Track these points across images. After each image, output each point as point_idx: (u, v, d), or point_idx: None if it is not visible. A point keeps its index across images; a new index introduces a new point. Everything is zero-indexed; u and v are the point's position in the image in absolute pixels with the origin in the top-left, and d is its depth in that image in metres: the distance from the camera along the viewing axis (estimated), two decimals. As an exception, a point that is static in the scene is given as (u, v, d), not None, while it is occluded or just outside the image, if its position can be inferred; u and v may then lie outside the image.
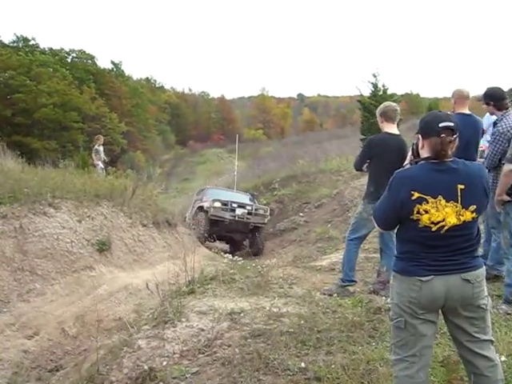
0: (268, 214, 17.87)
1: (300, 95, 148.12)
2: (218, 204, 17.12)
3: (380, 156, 6.73)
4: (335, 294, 6.89)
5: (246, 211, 17.27)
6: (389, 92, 21.10)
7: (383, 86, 21.13)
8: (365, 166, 7.05)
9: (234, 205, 17.39)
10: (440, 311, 3.53)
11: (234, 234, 18.01)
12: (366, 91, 21.55)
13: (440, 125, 3.47)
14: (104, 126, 47.23)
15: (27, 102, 41.65)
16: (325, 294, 6.96)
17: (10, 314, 9.87)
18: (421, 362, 3.50)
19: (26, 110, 41.91)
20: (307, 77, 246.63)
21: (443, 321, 3.63)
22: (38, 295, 10.57)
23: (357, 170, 7.68)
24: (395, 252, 3.70)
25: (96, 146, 19.83)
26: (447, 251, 3.45)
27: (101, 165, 19.36)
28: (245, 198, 19.77)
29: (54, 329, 9.73)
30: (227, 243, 19.00)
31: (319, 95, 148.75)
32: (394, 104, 7.28)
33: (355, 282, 7.20)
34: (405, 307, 3.49)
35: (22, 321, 9.75)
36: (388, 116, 7.00)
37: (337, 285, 7.12)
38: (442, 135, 3.44)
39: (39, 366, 8.75)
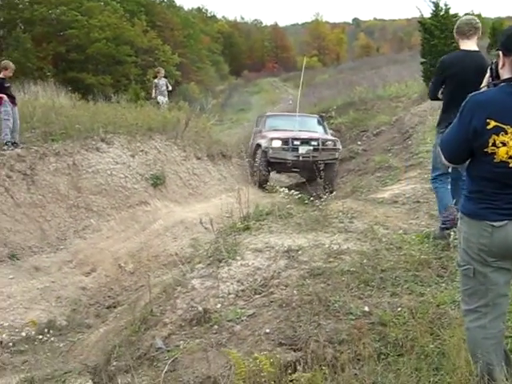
0: (339, 146, 15.20)
1: (355, 20, 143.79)
2: (277, 143, 14.70)
3: (455, 77, 5.86)
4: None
5: (311, 148, 14.58)
6: (451, 12, 19.81)
7: (445, 5, 19.86)
8: (440, 92, 6.17)
9: (297, 142, 14.70)
10: None
11: (300, 173, 16.36)
12: (427, 11, 20.42)
13: None
14: (157, 58, 46.79)
15: (80, 38, 41.51)
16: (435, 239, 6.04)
17: (66, 251, 9.90)
18: (495, 311, 3.08)
19: (80, 45, 41.82)
20: (362, 0, 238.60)
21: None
22: (93, 231, 10.57)
23: (432, 99, 6.75)
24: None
25: (155, 80, 18.69)
26: None
27: (162, 99, 18.15)
28: (311, 124, 16.99)
29: (110, 265, 9.73)
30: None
31: (375, 19, 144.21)
32: (468, 17, 6.40)
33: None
34: (474, 254, 3.05)
35: (78, 258, 9.77)
36: (460, 31, 6.05)
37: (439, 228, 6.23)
38: None
39: (97, 303, 8.77)
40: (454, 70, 5.80)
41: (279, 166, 15.12)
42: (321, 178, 12.19)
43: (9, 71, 11.03)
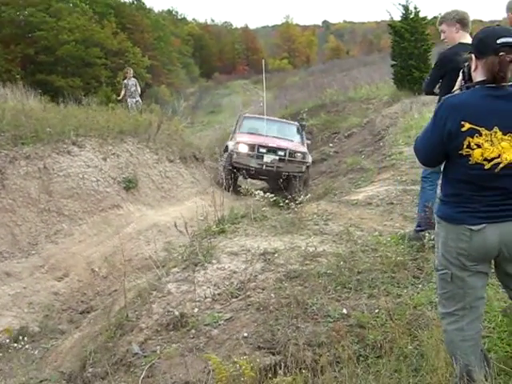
0: (308, 160, 14.59)
1: (325, 22, 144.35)
2: (243, 148, 14.19)
3: (455, 72, 5.60)
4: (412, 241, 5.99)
5: (276, 158, 13.99)
6: (421, 15, 20.08)
7: (415, 8, 20.12)
8: (437, 86, 6.10)
9: (263, 150, 14.11)
10: None
11: (266, 181, 15.70)
12: (397, 14, 20.59)
13: (498, 41, 2.91)
14: (127, 60, 46.35)
15: (49, 40, 40.98)
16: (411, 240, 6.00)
17: (38, 256, 9.74)
18: (472, 314, 3.09)
19: (48, 47, 41.29)
20: (332, 2, 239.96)
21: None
22: (65, 236, 10.42)
23: (427, 94, 6.61)
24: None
25: (125, 81, 18.06)
26: (502, 194, 2.95)
27: (132, 100, 17.61)
28: (289, 131, 16.24)
29: (83, 270, 9.62)
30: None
31: (345, 21, 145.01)
32: (463, 10, 6.29)
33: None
34: (452, 259, 3.05)
35: (50, 262, 9.62)
36: (466, 23, 5.88)
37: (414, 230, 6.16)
38: (501, 53, 2.88)
39: (70, 308, 8.66)
40: (455, 65, 5.66)
41: (243, 171, 14.30)
42: (285, 190, 11.08)
43: None
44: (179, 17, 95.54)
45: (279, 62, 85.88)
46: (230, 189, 12.72)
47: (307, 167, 14.56)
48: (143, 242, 10.27)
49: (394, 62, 19.93)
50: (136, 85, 17.92)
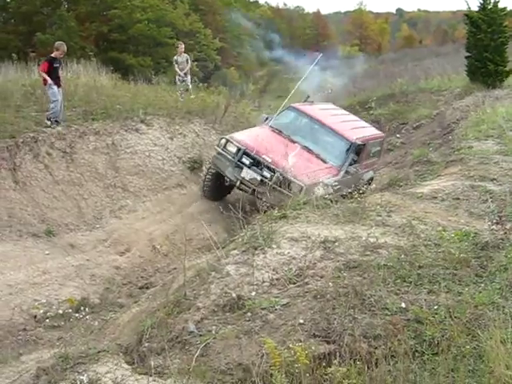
0: (312, 197, 8.08)
1: (399, 10, 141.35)
2: (231, 148, 10.52)
3: None
4: None
5: (258, 178, 10.06)
6: (500, 5, 19.39)
7: (494, -3, 19.45)
8: None
9: (246, 159, 10.26)
10: None
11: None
12: (474, 4, 19.96)
13: None
14: (198, 42, 46.76)
15: (122, 18, 41.61)
16: None
17: (102, 230, 9.99)
18: None
19: (122, 26, 41.94)
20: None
21: None
22: (129, 212, 10.66)
23: None
24: None
25: (175, 57, 16.38)
26: None
27: (180, 78, 15.86)
28: (332, 146, 11.19)
29: (145, 246, 9.81)
30: None
31: (419, 10, 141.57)
32: None
33: None
34: None
35: (113, 237, 9.85)
36: None
37: None
38: None
39: (130, 283, 8.85)
40: None
41: (220, 179, 11.06)
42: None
43: (59, 52, 11.09)
44: (251, 0, 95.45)
45: (349, 48, 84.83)
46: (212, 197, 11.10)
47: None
48: (205, 222, 10.37)
49: (469, 54, 19.35)
50: (187, 61, 16.11)
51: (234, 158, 10.30)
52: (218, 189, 11.31)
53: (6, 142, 9.81)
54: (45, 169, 10.11)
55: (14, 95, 11.72)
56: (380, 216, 6.81)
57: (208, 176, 11.24)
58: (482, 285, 4.69)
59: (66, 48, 11.24)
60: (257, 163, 10.19)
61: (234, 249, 6.16)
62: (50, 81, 10.75)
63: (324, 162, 10.69)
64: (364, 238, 5.85)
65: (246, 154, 10.26)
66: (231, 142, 10.50)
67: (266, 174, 10.01)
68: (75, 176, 10.47)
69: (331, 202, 7.48)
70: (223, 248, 6.33)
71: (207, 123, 13.65)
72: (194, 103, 14.35)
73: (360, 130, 12.29)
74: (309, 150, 10.78)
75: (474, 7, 19.85)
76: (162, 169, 11.73)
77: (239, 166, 10.25)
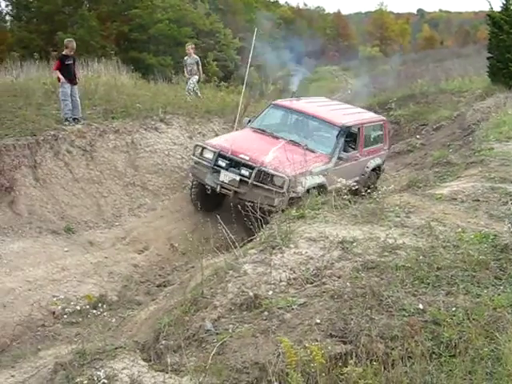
0: (298, 189, 9.12)
1: (420, 10, 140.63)
2: (208, 155, 10.06)
3: None
4: None
5: (237, 178, 9.59)
6: (524, 6, 19.18)
7: (517, -2, 19.25)
8: None
9: (222, 161, 9.79)
10: None
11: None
12: (497, 5, 19.81)
13: None
14: (218, 41, 46.99)
15: (143, 18, 41.85)
16: None
17: (121, 228, 10.06)
18: None
19: (142, 25, 42.18)
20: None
21: None
22: (148, 210, 10.73)
23: None
24: None
25: (185, 58, 15.89)
26: None
27: (190, 80, 15.45)
28: (321, 133, 11.01)
29: (163, 244, 9.85)
30: None
31: (440, 11, 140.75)
32: None
33: None
34: None
35: (132, 235, 9.91)
36: None
37: None
38: None
39: (148, 281, 8.89)
40: None
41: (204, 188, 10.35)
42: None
43: (69, 49, 11.16)
44: (272, 0, 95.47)
45: (370, 49, 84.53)
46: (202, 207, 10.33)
47: (283, 201, 9.14)
48: (223, 221, 10.37)
49: (490, 55, 19.18)
50: (196, 63, 15.59)
51: (210, 163, 9.91)
52: (209, 198, 10.55)
53: (27, 139, 9.93)
54: (65, 166, 10.21)
55: (35, 93, 11.88)
56: (399, 217, 6.77)
57: (193, 189, 10.72)
58: (501, 287, 4.65)
59: (75, 44, 11.33)
60: (234, 164, 9.75)
61: (252, 248, 6.17)
62: (62, 79, 10.85)
63: (313, 152, 10.23)
64: (382, 239, 5.82)
65: (221, 156, 9.85)
66: (206, 148, 10.11)
67: (244, 172, 9.54)
68: (95, 174, 10.56)
69: (349, 202, 7.46)
70: (241, 247, 6.34)
71: (226, 122, 13.67)
72: (213, 102, 14.40)
73: (352, 115, 11.99)
74: (294, 143, 10.35)
75: (497, 7, 19.70)
76: (180, 168, 11.78)
77: (217, 170, 9.84)
